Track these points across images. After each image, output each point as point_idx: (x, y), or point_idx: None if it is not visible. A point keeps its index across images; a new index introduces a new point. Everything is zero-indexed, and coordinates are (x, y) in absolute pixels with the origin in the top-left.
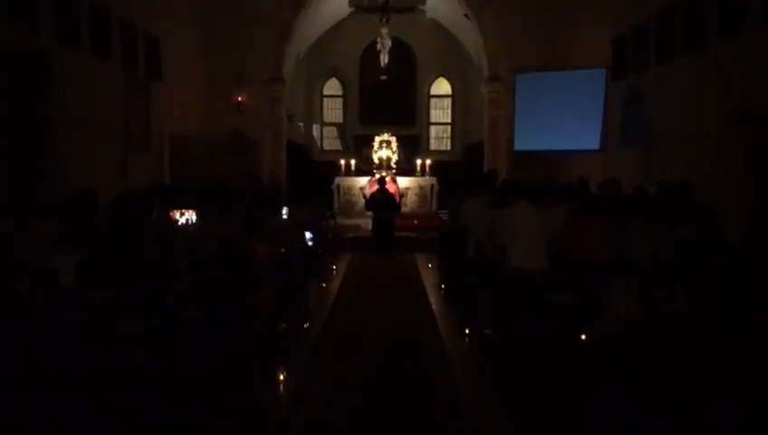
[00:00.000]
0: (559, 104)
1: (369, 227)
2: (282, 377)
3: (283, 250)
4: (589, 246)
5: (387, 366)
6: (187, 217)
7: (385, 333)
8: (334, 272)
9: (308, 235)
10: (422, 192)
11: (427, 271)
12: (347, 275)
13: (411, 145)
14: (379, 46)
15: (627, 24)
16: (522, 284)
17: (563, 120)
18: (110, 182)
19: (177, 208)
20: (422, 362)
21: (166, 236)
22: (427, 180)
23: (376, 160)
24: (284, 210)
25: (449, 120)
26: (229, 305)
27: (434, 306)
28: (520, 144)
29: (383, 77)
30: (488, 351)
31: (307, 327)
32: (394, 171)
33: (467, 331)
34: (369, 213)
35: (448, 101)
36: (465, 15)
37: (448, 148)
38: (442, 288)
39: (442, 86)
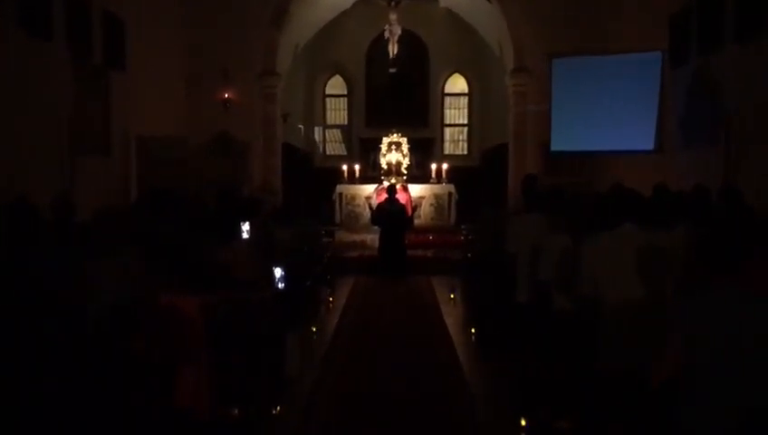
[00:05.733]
0: (604, 95)
1: (377, 243)
2: None
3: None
4: None
5: None
6: None
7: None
8: (331, 305)
9: (278, 272)
10: (438, 202)
11: (450, 305)
12: (346, 311)
13: (423, 149)
14: (387, 34)
15: None
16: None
17: (610, 114)
18: (50, 189)
19: None
20: None
21: None
22: (444, 188)
23: (384, 165)
24: (245, 227)
25: (466, 121)
26: None
27: (464, 366)
28: (557, 144)
29: (392, 69)
30: None
31: (277, 413)
32: (405, 178)
33: (524, 422)
34: (376, 227)
35: (465, 100)
36: None
37: (465, 152)
38: (473, 333)
39: (458, 83)
